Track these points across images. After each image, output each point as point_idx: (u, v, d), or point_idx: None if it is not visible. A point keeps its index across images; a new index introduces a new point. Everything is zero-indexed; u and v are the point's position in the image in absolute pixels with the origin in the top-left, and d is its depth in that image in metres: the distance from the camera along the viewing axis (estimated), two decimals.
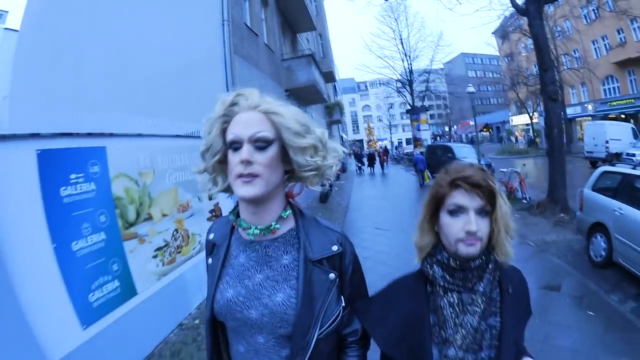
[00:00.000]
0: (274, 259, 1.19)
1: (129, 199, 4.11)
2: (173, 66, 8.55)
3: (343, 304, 1.24)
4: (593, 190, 6.64)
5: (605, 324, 4.57)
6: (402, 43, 34.46)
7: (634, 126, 20.95)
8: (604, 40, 29.88)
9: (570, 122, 31.36)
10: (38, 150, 3.22)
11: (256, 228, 1.16)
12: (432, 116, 71.53)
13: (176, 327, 4.76)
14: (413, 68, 34.65)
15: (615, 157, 16.47)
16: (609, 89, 30.56)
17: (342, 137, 54.01)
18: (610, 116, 27.76)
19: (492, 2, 36.90)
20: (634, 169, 5.82)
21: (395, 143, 68.85)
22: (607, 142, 19.24)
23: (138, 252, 4.15)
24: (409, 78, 34.27)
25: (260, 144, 1.09)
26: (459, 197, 1.22)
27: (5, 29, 45.45)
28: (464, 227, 1.20)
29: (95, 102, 6.72)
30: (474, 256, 1.23)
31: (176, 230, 4.86)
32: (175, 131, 5.35)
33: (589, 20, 28.40)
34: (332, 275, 1.19)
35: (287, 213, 1.21)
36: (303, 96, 16.40)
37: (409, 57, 34.15)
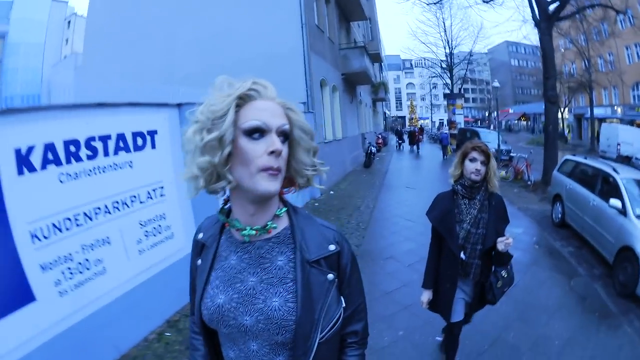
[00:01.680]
0: (268, 260, 1.09)
1: None
2: (261, 57, 11.35)
3: (344, 305, 1.19)
4: (558, 171, 8.88)
5: (544, 254, 6.54)
6: (445, 31, 34.84)
7: None
8: (636, 48, 29.70)
9: (599, 122, 29.88)
10: None
11: (252, 229, 1.06)
12: (474, 100, 71.23)
13: None
14: (455, 53, 35.11)
15: (625, 160, 16.82)
16: (638, 95, 29.95)
17: (385, 113, 55.14)
18: (638, 122, 26.90)
19: (518, 10, 35.58)
20: (585, 159, 7.95)
21: (437, 123, 69.20)
22: (618, 144, 19.68)
23: None
24: (449, 64, 35.24)
25: (283, 138, 1.02)
26: (474, 154, 2.60)
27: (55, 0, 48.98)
28: (475, 167, 2.58)
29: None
30: (477, 181, 2.62)
31: None
32: None
33: (624, 27, 27.30)
34: (330, 276, 1.12)
35: (282, 211, 1.13)
36: (355, 79, 18.84)
37: (451, 44, 34.60)
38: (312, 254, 1.09)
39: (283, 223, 1.14)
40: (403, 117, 76.90)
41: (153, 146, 4.45)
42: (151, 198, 4.37)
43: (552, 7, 12.00)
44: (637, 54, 29.58)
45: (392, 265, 6.07)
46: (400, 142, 33.79)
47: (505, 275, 2.69)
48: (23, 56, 45.24)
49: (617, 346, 3.98)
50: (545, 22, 11.95)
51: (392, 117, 74.44)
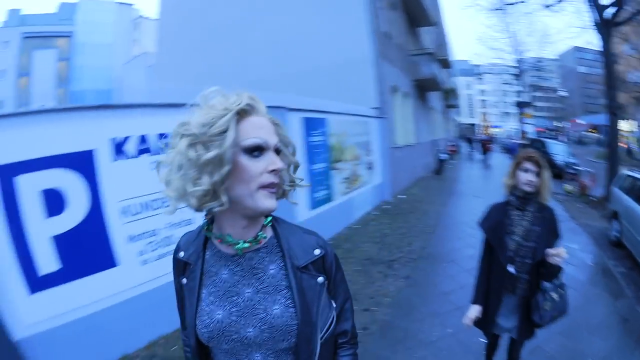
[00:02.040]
0: (260, 270, 1.11)
1: (336, 147, 7.68)
2: (332, 64, 11.91)
3: (334, 306, 1.23)
4: (616, 187, 8.63)
5: (596, 272, 6.37)
6: (511, 36, 33.76)
7: None
8: None
9: None
10: (303, 117, 6.66)
11: (245, 242, 1.07)
12: (545, 109, 68.53)
13: (347, 226, 8.38)
14: (523, 58, 33.41)
15: None
16: None
17: (457, 119, 53.99)
18: None
19: (578, 15, 33.32)
20: None
21: (509, 131, 66.99)
22: None
23: (336, 178, 7.71)
24: (518, 71, 33.85)
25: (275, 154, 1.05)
26: (527, 164, 2.55)
27: (121, 3, 51.95)
28: (527, 178, 2.53)
29: (311, 91, 10.25)
30: (530, 192, 2.55)
31: (353, 170, 8.48)
32: (351, 111, 8.91)
33: None
34: (320, 279, 1.14)
35: (268, 221, 1.15)
36: (425, 85, 18.89)
37: (519, 50, 33.19)
38: (300, 260, 1.12)
39: (269, 232, 1.16)
40: (475, 125, 75.01)
41: None
42: (302, 180, 4.95)
43: (609, 11, 11.55)
44: None
45: (453, 269, 6.28)
46: (471, 150, 33.21)
47: (557, 299, 2.54)
48: (91, 55, 48.68)
49: None
50: (604, 27, 11.57)
51: (464, 124, 72.71)
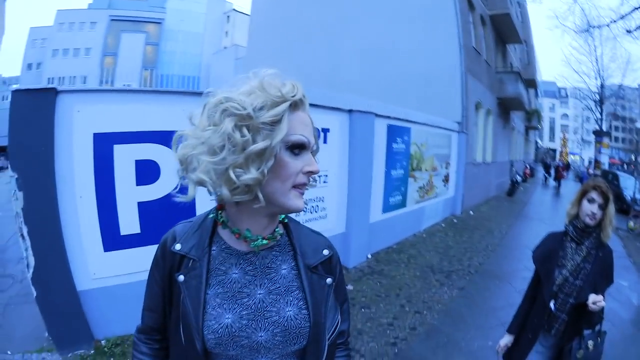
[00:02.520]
0: (273, 270, 1.04)
1: (415, 156, 7.83)
2: (420, 74, 12.06)
3: (339, 308, 1.18)
4: None
5: (638, 312, 6.25)
6: (596, 60, 31.41)
7: None
8: None
9: None
10: (388, 124, 6.89)
11: (263, 239, 1.00)
12: (623, 140, 64.79)
13: (414, 233, 8.49)
14: (607, 85, 32.18)
15: None
16: None
17: (537, 142, 52.06)
18: None
19: None
20: None
21: (586, 161, 63.66)
22: None
23: (412, 185, 7.89)
24: (600, 97, 32.30)
25: None
26: (593, 194, 2.36)
27: None
28: (591, 209, 2.34)
29: (397, 99, 10.55)
30: (591, 225, 2.35)
31: (428, 181, 8.60)
32: (435, 123, 9.02)
33: None
34: (329, 280, 1.09)
35: (283, 216, 1.11)
36: (509, 104, 18.49)
37: (602, 76, 31.31)
38: (311, 260, 1.08)
39: (281, 229, 1.10)
40: (554, 150, 71.85)
41: (325, 141, 5.48)
42: (315, 181, 5.13)
43: None
44: None
45: (506, 287, 6.40)
46: (546, 175, 31.78)
47: (591, 348, 2.30)
48: (180, 42, 50.97)
49: None
50: None
51: (544, 148, 69.68)
